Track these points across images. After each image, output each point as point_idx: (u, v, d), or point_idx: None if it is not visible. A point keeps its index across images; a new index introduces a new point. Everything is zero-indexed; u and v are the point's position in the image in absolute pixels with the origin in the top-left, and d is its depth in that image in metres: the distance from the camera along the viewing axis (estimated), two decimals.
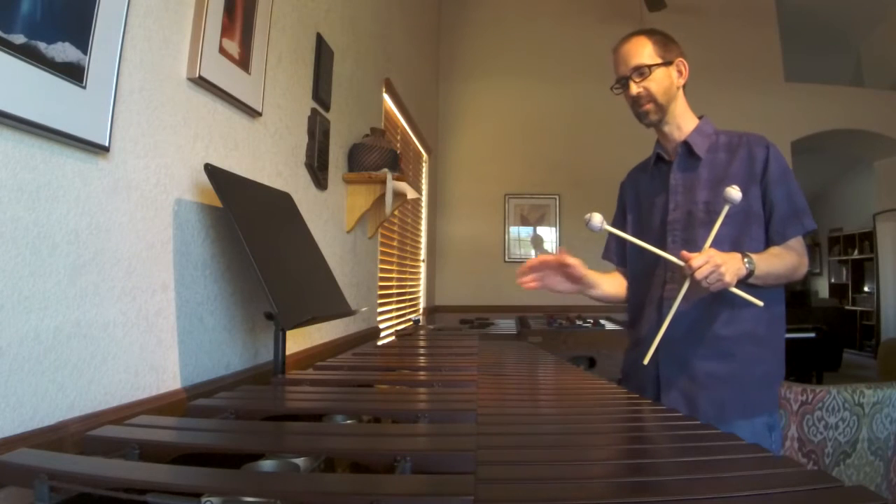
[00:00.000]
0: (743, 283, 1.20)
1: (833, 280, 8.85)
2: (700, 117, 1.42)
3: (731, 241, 1.28)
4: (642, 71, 1.34)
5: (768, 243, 1.32)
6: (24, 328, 0.81)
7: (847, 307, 7.97)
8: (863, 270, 8.01)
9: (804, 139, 5.35)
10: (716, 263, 1.13)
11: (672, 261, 1.22)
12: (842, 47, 6.31)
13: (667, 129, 1.41)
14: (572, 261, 1.36)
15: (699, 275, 1.13)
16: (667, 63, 1.35)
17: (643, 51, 1.35)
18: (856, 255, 8.02)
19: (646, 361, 1.23)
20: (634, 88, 1.35)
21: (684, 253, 1.17)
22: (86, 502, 0.56)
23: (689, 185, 1.38)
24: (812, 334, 5.02)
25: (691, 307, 1.30)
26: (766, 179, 1.32)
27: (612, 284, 1.53)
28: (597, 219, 1.22)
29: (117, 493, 0.53)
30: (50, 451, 0.65)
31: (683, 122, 1.40)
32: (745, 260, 1.19)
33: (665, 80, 1.35)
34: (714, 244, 1.19)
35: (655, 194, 1.44)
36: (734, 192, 1.16)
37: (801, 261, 1.31)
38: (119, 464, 0.62)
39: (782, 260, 1.28)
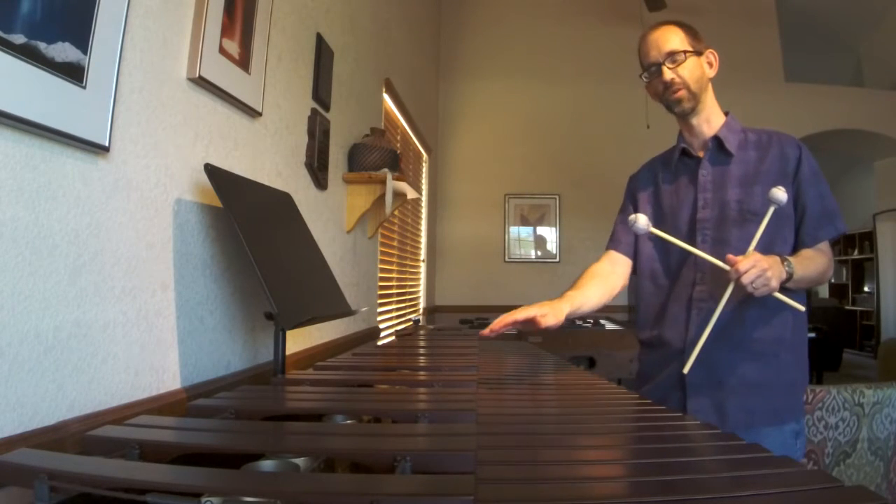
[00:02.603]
0: (780, 287, 1.16)
1: (833, 280, 8.84)
2: (726, 113, 1.38)
3: (763, 244, 1.21)
4: (676, 57, 1.30)
5: (798, 246, 1.28)
6: (24, 328, 0.81)
7: (847, 307, 7.98)
8: (863, 270, 8.01)
9: (804, 139, 5.32)
10: (763, 268, 1.09)
11: (717, 265, 1.17)
12: (842, 47, 6.31)
13: (695, 121, 1.35)
14: (526, 317, 1.23)
15: (746, 279, 1.09)
16: (698, 53, 1.32)
17: (676, 37, 1.32)
18: (856, 255, 8.02)
19: (686, 370, 1.19)
20: (668, 74, 1.30)
21: (730, 256, 1.13)
22: (86, 502, 0.56)
23: (720, 183, 1.32)
24: (812, 334, 5.02)
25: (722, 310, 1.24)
26: (798, 180, 1.28)
27: (592, 296, 1.39)
28: (642, 221, 1.20)
29: (117, 493, 0.53)
30: (50, 451, 0.65)
31: (713, 116, 1.36)
32: (785, 263, 1.16)
33: (697, 69, 1.31)
34: (747, 244, 1.16)
35: (681, 190, 1.38)
36: (780, 194, 1.12)
37: (830, 264, 1.29)
38: (119, 464, 0.62)
39: (815, 263, 1.24)
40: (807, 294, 1.39)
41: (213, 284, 1.28)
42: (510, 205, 5.43)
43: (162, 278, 1.12)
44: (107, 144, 0.94)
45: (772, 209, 1.15)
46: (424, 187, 4.68)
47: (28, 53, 0.79)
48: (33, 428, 0.81)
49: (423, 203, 4.60)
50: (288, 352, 1.39)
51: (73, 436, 0.83)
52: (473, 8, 5.55)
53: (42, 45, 0.81)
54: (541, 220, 5.42)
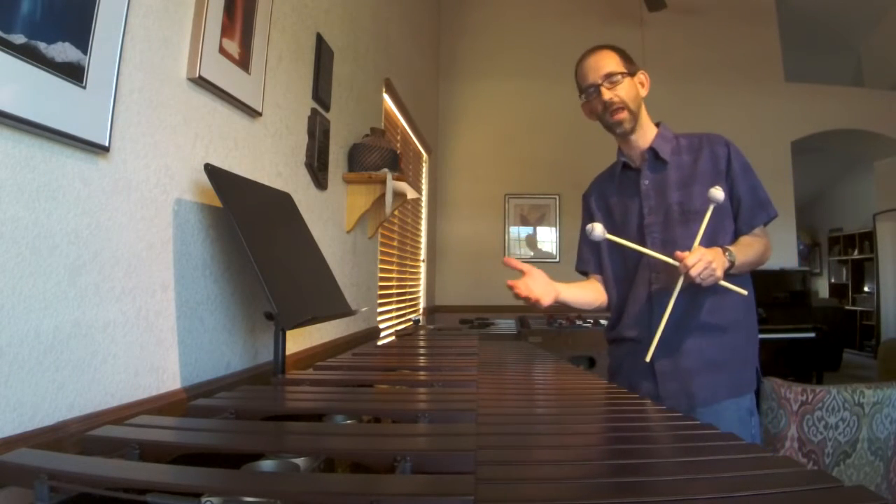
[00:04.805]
0: (725, 274, 1.29)
1: (833, 280, 8.85)
2: (657, 124, 1.50)
3: (707, 236, 1.34)
4: (614, 78, 1.41)
5: (736, 233, 1.42)
6: (24, 328, 0.81)
7: (847, 307, 7.97)
8: (863, 270, 8.00)
9: (804, 139, 5.34)
10: (708, 261, 1.22)
11: (668, 262, 1.30)
12: (842, 47, 6.30)
13: (633, 137, 1.47)
14: (528, 293, 1.45)
15: (694, 272, 1.22)
16: (632, 74, 1.43)
17: (612, 60, 1.42)
18: (856, 255, 8.02)
19: (648, 358, 1.31)
20: (607, 94, 1.41)
21: (678, 253, 1.25)
22: (86, 502, 0.56)
23: (660, 189, 1.45)
24: (812, 334, 5.01)
25: (678, 301, 1.36)
26: (730, 175, 1.41)
27: (581, 295, 1.57)
28: (598, 229, 1.33)
29: (117, 493, 0.53)
30: (50, 451, 0.65)
31: (647, 130, 1.48)
32: (727, 253, 1.28)
33: (632, 89, 1.43)
34: (692, 241, 1.29)
35: (627, 201, 1.50)
36: (718, 193, 1.26)
37: (768, 245, 1.42)
38: (119, 464, 0.62)
39: (753, 248, 1.38)
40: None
41: (213, 284, 1.28)
42: (510, 205, 5.43)
43: (162, 278, 1.12)
44: (107, 144, 0.94)
45: (711, 207, 1.29)
46: (424, 187, 4.68)
47: (28, 53, 0.79)
48: (33, 428, 0.81)
49: (423, 203, 4.59)
50: (288, 352, 1.39)
51: (73, 436, 0.83)
52: (473, 8, 5.54)
53: (42, 45, 0.81)
54: (541, 221, 5.42)
